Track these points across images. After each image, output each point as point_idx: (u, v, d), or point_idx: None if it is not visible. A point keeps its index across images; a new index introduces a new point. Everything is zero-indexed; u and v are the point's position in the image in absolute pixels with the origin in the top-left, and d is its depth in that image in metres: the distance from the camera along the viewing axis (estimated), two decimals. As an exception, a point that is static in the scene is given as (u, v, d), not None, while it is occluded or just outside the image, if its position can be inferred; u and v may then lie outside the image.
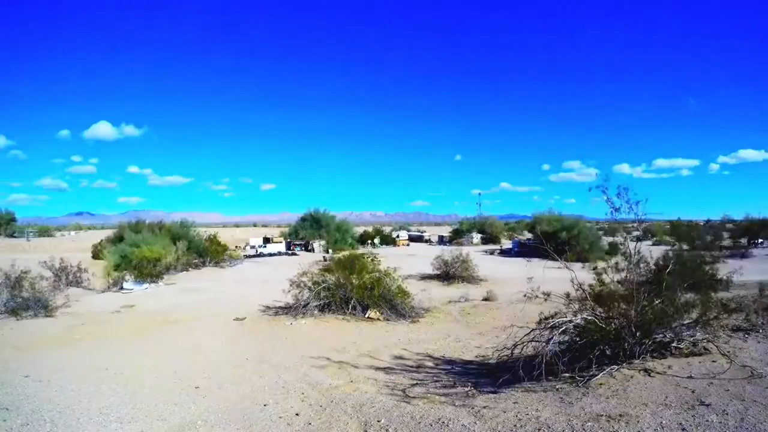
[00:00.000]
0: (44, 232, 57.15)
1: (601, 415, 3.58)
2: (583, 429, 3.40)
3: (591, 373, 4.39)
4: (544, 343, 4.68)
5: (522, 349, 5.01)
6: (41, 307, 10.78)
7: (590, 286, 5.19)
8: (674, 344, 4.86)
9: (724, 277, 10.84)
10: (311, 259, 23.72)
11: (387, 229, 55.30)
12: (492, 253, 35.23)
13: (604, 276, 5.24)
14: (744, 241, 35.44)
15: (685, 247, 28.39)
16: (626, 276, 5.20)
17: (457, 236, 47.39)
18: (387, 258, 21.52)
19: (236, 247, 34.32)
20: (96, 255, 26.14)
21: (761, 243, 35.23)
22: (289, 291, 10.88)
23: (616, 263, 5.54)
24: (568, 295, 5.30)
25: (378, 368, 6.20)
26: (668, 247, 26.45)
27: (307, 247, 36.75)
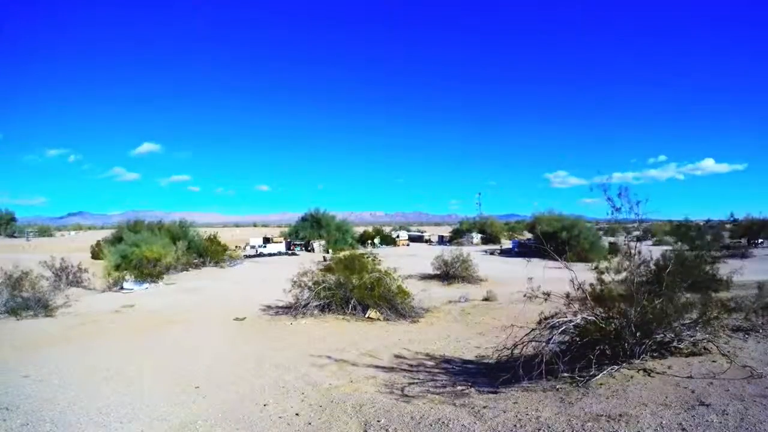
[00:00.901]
0: (44, 232, 57.22)
1: (601, 415, 3.58)
2: (583, 429, 3.40)
3: (591, 373, 4.38)
4: (544, 343, 4.68)
5: (522, 349, 5.00)
6: (41, 307, 10.78)
7: (590, 285, 5.19)
8: (674, 344, 4.86)
9: (724, 277, 10.84)
10: (311, 259, 23.72)
11: (387, 229, 55.29)
12: (492, 253, 35.21)
13: (604, 276, 5.24)
14: (744, 241, 35.47)
15: (685, 247, 28.39)
16: (626, 276, 5.20)
17: (457, 236, 47.38)
18: (387, 258, 21.47)
19: (236, 247, 34.30)
20: (95, 255, 26.14)
21: (761, 243, 35.25)
22: (290, 291, 10.87)
23: (617, 263, 5.54)
24: (568, 295, 5.30)
25: (378, 368, 6.20)
26: (669, 247, 26.44)
27: (308, 247, 36.76)
